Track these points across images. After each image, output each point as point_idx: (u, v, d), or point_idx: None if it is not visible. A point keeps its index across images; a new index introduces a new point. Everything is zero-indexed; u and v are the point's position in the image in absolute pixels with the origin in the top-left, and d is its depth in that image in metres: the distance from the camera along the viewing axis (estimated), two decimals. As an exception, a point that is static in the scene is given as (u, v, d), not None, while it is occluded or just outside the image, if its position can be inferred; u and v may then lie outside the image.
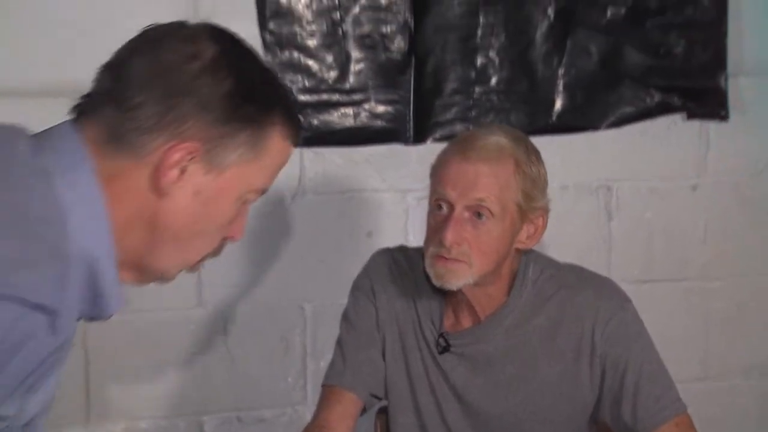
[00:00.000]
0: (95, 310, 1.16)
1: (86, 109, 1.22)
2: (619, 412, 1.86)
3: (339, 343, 2.02)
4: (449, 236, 1.80)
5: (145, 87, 1.18)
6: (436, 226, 1.85)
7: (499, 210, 1.82)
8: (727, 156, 2.64)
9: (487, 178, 1.82)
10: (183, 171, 1.19)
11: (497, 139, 1.87)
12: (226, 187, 1.22)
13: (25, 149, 1.19)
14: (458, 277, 1.82)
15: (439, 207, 1.84)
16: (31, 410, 1.17)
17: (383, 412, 2.14)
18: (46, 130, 1.22)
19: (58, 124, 1.22)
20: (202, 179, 1.20)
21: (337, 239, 2.51)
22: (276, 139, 1.22)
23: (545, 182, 1.89)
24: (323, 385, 1.98)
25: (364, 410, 2.03)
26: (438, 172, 1.89)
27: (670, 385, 1.87)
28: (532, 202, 1.85)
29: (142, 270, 1.25)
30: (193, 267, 1.29)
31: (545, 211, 1.89)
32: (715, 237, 2.70)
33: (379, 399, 2.03)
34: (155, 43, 1.21)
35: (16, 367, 1.10)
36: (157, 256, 1.24)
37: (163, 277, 1.28)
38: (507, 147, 1.86)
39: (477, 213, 1.81)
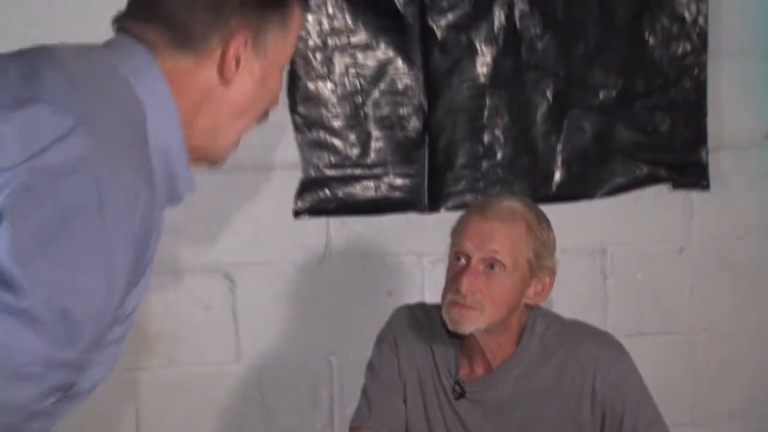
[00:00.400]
0: (170, 194, 1.30)
1: (133, 25, 1.35)
2: None
3: (364, 390, 2.10)
4: (465, 284, 1.91)
5: (191, 1, 1.33)
6: (454, 276, 1.96)
7: (511, 263, 1.94)
8: (710, 222, 2.74)
9: (502, 235, 1.95)
10: (239, 60, 1.33)
11: (512, 204, 2.01)
12: (272, 63, 1.38)
13: (103, 60, 1.32)
14: (471, 322, 1.93)
15: (458, 259, 1.96)
16: (131, 306, 1.29)
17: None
18: (110, 42, 1.35)
19: (118, 38, 1.35)
20: (255, 62, 1.35)
21: (360, 298, 2.60)
22: (296, 13, 1.39)
23: (553, 247, 2.01)
24: (351, 428, 2.09)
25: None
26: (458, 229, 2.02)
27: (664, 429, 1.97)
28: (541, 261, 1.97)
29: (204, 152, 1.39)
30: (237, 143, 1.44)
31: (552, 272, 2.00)
32: (701, 295, 2.77)
33: None
34: None
35: (148, 256, 1.25)
36: (218, 138, 1.38)
37: (218, 159, 1.42)
38: (520, 210, 1.99)
39: (491, 265, 1.93)
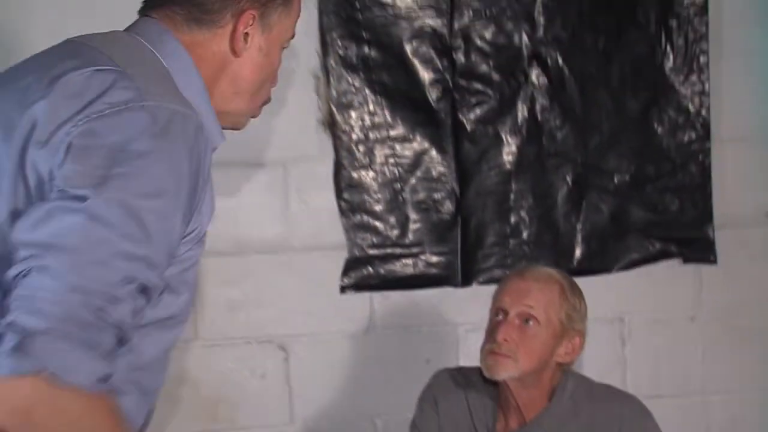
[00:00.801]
0: None
1: (150, 10, 1.43)
2: None
3: None
4: (501, 334, 2.02)
5: None
6: (492, 329, 2.06)
7: (544, 319, 2.04)
8: (718, 293, 2.82)
9: (537, 293, 2.07)
10: (247, 35, 1.41)
11: (548, 270, 2.14)
12: (275, 39, 1.46)
13: (129, 37, 1.41)
14: (505, 370, 2.02)
15: (497, 314, 2.07)
16: (203, 228, 1.36)
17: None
18: (135, 24, 1.45)
19: (141, 20, 1.45)
20: (261, 38, 1.43)
21: (401, 365, 2.67)
22: (297, 1, 1.48)
23: (585, 313, 2.10)
24: None
25: None
26: (499, 289, 2.14)
27: None
28: (571, 323, 2.07)
29: (224, 117, 1.47)
30: (256, 113, 1.54)
31: (582, 335, 2.08)
32: (712, 359, 2.83)
33: None
34: None
35: (206, 173, 1.32)
36: (237, 103, 1.47)
37: (237, 124, 1.53)
38: (555, 275, 2.11)
39: (526, 320, 2.04)
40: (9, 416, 1.14)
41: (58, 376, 1.11)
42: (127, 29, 1.43)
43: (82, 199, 1.17)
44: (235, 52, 1.42)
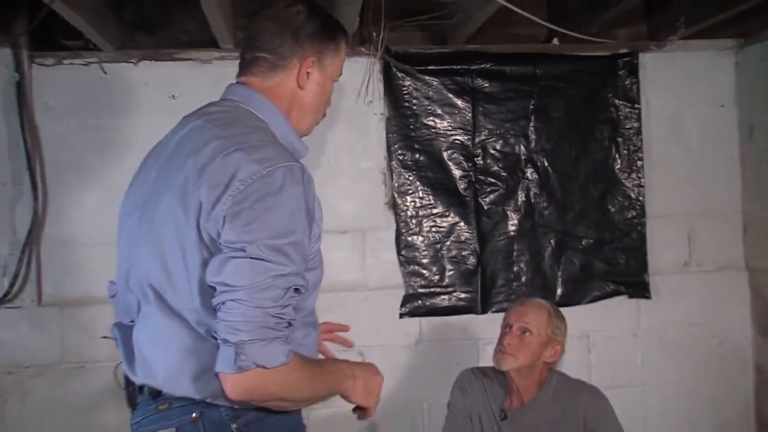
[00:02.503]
0: (296, 156, 1.46)
1: (251, 65, 1.55)
2: None
3: (446, 419, 2.48)
4: (507, 340, 2.28)
5: (279, 39, 1.51)
6: (501, 337, 2.31)
7: (536, 332, 2.27)
8: (652, 318, 3.26)
9: (533, 314, 2.32)
10: (309, 73, 1.53)
11: (541, 300, 2.41)
12: (328, 75, 1.57)
13: (232, 105, 1.53)
14: (508, 363, 2.27)
15: (505, 327, 2.32)
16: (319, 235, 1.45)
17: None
18: (229, 91, 1.56)
19: (233, 86, 1.57)
20: (318, 75, 1.54)
21: (440, 366, 3.05)
22: (342, 44, 1.59)
23: (564, 330, 2.35)
24: None
25: None
26: (508, 312, 2.39)
27: None
28: (555, 336, 2.31)
29: (300, 131, 1.56)
30: (318, 122, 1.63)
31: (562, 344, 2.33)
32: (648, 362, 3.25)
33: None
34: (268, 13, 1.54)
35: (314, 199, 1.41)
36: (305, 122, 1.58)
37: (306, 134, 1.61)
38: (545, 304, 2.37)
39: (524, 331, 2.28)
40: (250, 395, 1.38)
41: (266, 366, 1.35)
42: (225, 97, 1.58)
43: (243, 249, 1.33)
44: (300, 86, 1.54)
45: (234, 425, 1.44)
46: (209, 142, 1.41)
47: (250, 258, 1.31)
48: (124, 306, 1.56)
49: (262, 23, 1.53)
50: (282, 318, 1.34)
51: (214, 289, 1.35)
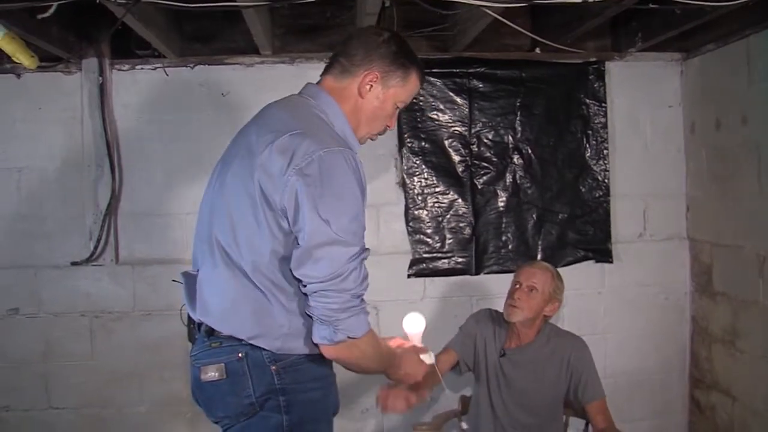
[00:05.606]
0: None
1: (330, 66, 1.70)
2: (576, 394, 2.54)
3: (456, 335, 2.78)
4: (516, 296, 2.55)
5: (356, 50, 1.67)
6: (512, 292, 2.59)
7: (541, 290, 2.55)
8: (614, 279, 3.67)
9: (539, 275, 2.59)
10: (371, 86, 1.66)
11: (546, 264, 2.69)
12: (390, 96, 1.68)
13: (301, 101, 1.64)
14: (516, 316, 2.55)
15: (515, 284, 2.60)
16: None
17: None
18: (304, 89, 1.68)
19: (307, 85, 1.70)
20: (380, 90, 1.66)
21: (440, 317, 3.46)
22: (413, 78, 1.70)
23: (562, 290, 2.63)
24: (443, 349, 2.70)
25: (456, 366, 2.71)
26: (518, 271, 2.66)
27: (600, 383, 2.57)
28: (555, 294, 2.60)
29: (357, 135, 1.67)
30: (372, 138, 1.74)
31: (560, 302, 2.63)
32: (609, 314, 3.65)
33: (469, 369, 2.75)
34: (361, 34, 1.72)
35: (364, 179, 1.52)
36: (361, 129, 1.69)
37: (362, 140, 1.72)
38: (550, 268, 2.64)
39: (531, 289, 2.55)
40: (339, 359, 1.58)
41: (355, 337, 1.54)
42: (301, 93, 1.72)
43: (319, 235, 1.46)
44: (360, 94, 1.65)
45: (273, 367, 1.58)
46: (277, 124, 1.55)
47: (327, 245, 1.45)
48: (196, 256, 1.71)
49: (352, 39, 1.71)
50: (361, 296, 1.53)
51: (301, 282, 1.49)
